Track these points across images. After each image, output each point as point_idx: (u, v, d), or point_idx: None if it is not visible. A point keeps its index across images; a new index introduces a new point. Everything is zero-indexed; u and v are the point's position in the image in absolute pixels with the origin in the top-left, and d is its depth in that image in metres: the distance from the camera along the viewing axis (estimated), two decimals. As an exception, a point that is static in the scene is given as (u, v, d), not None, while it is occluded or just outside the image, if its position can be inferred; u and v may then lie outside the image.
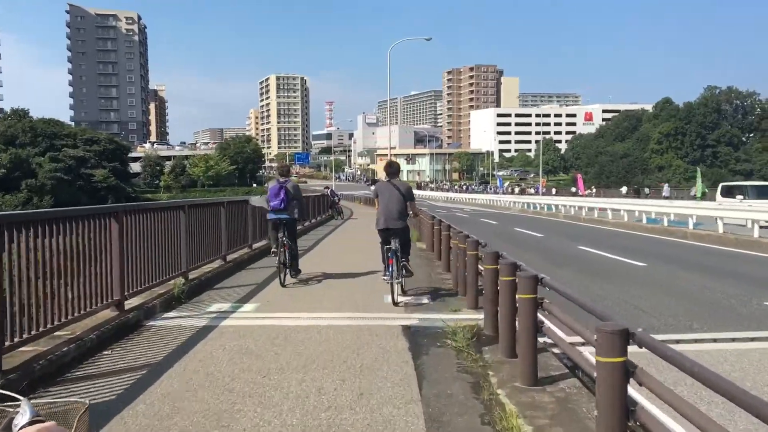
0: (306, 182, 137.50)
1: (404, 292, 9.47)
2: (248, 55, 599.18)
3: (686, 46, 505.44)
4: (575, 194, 61.86)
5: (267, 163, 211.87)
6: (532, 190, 76.45)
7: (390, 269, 8.99)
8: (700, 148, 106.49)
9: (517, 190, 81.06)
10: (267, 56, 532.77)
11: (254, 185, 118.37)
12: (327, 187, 35.89)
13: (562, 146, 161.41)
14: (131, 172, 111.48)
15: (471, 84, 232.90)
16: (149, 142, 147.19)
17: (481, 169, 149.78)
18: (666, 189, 45.67)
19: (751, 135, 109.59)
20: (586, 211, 33.22)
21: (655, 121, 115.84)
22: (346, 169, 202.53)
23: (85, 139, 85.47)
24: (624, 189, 54.90)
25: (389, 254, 9.09)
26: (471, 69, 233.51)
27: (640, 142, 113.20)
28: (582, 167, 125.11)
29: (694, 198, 38.61)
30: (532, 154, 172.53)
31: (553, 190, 73.08)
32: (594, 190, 62.18)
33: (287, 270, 10.75)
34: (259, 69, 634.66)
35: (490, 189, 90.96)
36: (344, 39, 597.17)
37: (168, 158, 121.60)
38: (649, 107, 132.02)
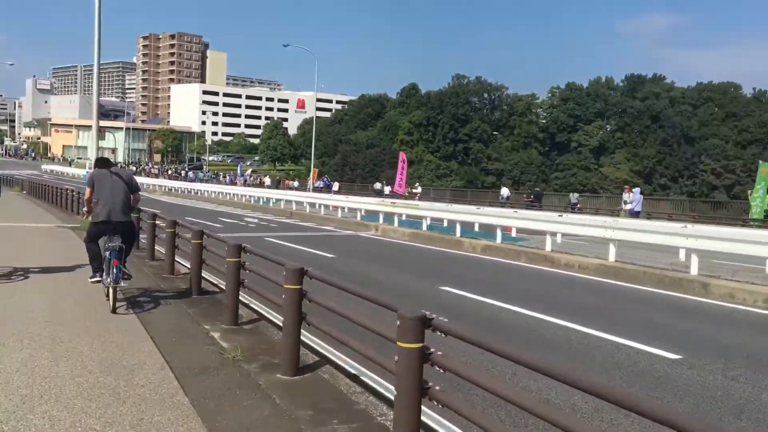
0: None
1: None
2: None
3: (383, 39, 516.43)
4: (382, 193, 42.00)
5: None
6: (295, 183, 55.30)
7: (111, 271, 7.76)
8: (452, 143, 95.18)
9: (268, 181, 58.69)
10: None
11: None
12: None
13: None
14: None
15: (172, 54, 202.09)
16: None
17: (188, 153, 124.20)
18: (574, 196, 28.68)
19: (496, 132, 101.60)
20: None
21: (401, 108, 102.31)
22: (7, 142, 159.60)
23: None
24: (505, 191, 36.82)
25: (112, 253, 7.84)
26: (172, 37, 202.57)
27: (387, 132, 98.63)
28: (318, 156, 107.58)
29: (751, 221, 21.06)
30: (253, 139, 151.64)
31: (336, 185, 52.18)
32: (419, 189, 42.91)
33: None
34: None
35: (225, 178, 67.54)
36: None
37: None
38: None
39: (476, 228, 21.63)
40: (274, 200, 38.38)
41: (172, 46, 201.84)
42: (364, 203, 27.05)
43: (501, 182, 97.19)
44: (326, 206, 30.35)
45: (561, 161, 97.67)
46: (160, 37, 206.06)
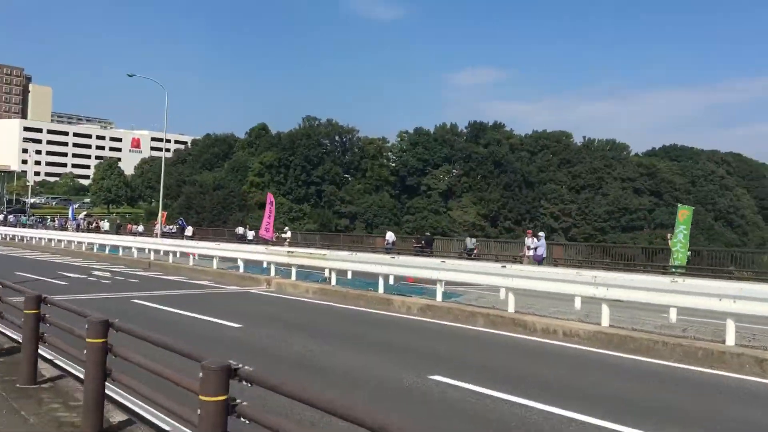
0: None
1: None
2: None
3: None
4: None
5: None
6: (139, 227, 49.45)
7: None
8: (305, 185, 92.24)
9: (105, 225, 52.12)
10: None
11: None
12: None
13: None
14: None
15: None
16: None
17: (6, 194, 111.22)
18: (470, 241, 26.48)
19: (347, 175, 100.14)
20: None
21: (250, 149, 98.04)
22: None
23: None
24: (390, 235, 33.86)
25: None
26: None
27: (235, 173, 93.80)
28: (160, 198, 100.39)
29: (673, 269, 19.53)
30: (83, 180, 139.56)
31: (190, 229, 46.89)
32: (288, 234, 38.91)
33: None
34: None
35: (54, 222, 59.69)
36: None
37: None
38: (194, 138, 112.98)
39: (391, 280, 18.73)
40: (122, 248, 33.11)
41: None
42: (250, 252, 23.14)
43: (355, 225, 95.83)
44: (194, 255, 25.98)
45: (412, 204, 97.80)
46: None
